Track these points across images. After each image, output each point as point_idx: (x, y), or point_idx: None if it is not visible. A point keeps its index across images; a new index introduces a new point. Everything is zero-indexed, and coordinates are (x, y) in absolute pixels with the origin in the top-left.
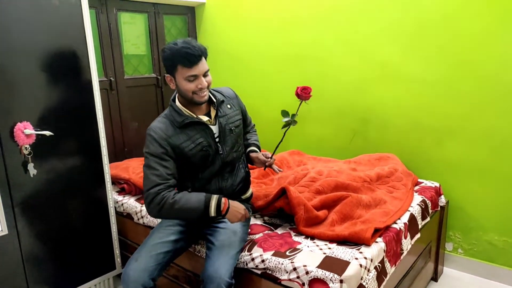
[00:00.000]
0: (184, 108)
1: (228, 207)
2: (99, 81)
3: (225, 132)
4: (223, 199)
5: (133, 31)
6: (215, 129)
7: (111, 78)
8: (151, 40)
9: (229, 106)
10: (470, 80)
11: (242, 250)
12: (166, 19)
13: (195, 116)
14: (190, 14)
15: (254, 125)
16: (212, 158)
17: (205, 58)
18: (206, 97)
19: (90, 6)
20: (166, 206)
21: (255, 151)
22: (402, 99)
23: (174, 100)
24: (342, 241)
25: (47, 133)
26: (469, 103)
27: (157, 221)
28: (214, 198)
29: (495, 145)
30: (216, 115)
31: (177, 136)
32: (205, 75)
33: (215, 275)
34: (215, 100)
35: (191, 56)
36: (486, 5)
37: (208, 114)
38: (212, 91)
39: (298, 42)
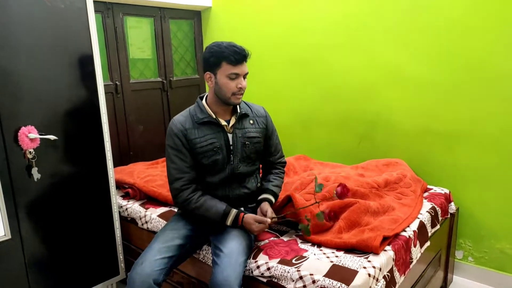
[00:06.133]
0: (208, 107)
1: (242, 221)
2: (105, 85)
3: (238, 144)
4: (240, 215)
5: (139, 35)
6: (230, 136)
7: (117, 82)
8: (157, 44)
9: (251, 121)
10: (480, 84)
11: (249, 257)
12: (172, 23)
13: (214, 117)
14: (196, 18)
15: (285, 163)
16: (222, 164)
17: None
18: (241, 100)
19: (96, 11)
20: (188, 208)
21: (267, 200)
22: (410, 103)
23: (201, 98)
24: (350, 249)
25: (52, 137)
26: (479, 108)
27: (161, 226)
28: (231, 215)
29: (505, 150)
30: (234, 125)
31: (193, 130)
32: (244, 77)
33: (224, 283)
34: (239, 111)
35: (238, 54)
36: (495, 7)
37: (228, 122)
38: (242, 102)
39: (305, 46)
